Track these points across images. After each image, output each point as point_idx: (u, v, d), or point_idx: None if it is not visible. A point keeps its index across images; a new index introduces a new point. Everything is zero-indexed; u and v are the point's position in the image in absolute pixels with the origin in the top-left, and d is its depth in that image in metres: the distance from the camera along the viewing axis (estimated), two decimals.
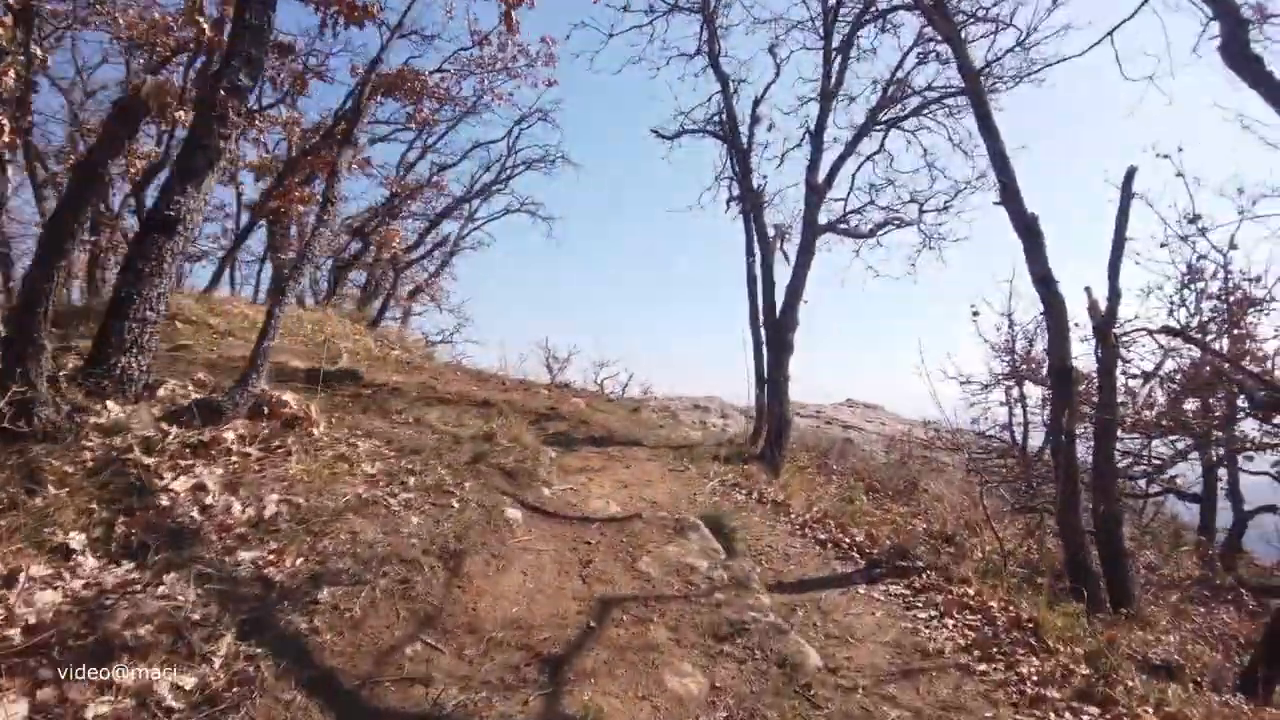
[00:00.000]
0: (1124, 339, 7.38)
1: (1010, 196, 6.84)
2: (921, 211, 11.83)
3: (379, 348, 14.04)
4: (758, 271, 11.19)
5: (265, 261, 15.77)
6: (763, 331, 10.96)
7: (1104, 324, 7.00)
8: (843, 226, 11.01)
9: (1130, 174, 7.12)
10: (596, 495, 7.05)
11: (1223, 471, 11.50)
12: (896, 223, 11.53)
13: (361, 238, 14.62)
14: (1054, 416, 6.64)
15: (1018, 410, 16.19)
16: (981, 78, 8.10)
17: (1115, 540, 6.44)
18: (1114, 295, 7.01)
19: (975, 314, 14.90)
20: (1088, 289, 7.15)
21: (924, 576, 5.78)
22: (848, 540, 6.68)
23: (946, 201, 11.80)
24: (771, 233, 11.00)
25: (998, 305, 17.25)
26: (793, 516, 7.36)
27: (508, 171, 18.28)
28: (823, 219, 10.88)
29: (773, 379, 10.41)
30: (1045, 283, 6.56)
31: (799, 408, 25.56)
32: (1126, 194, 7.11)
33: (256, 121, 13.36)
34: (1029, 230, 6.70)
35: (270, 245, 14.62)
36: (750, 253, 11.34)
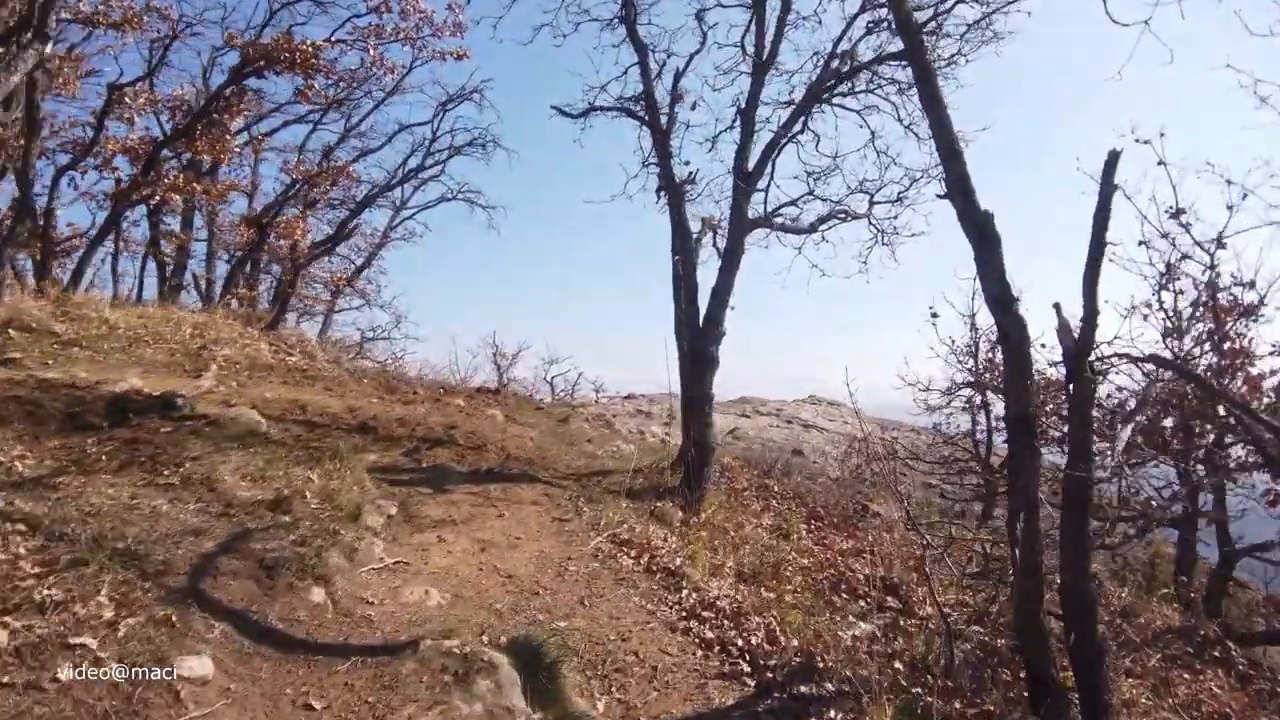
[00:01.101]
0: (1102, 367, 5.69)
1: (957, 186, 5.12)
2: (872, 203, 10.13)
3: (273, 354, 12.19)
4: (680, 272, 9.48)
5: (149, 258, 13.89)
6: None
7: (1077, 350, 5.31)
8: (779, 220, 9.27)
9: (1112, 160, 5.38)
10: (429, 573, 5.33)
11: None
12: (843, 216, 9.81)
13: (259, 230, 12.75)
14: (1011, 479, 4.96)
15: (980, 417, 14.73)
16: (925, 34, 6.34)
17: (1089, 641, 4.80)
18: (1090, 314, 5.30)
19: (934, 316, 13.26)
20: (1057, 306, 5.44)
21: (830, 714, 4.11)
22: (741, 641, 4.98)
23: (900, 193, 10.10)
24: (697, 227, 9.25)
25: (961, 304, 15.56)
26: (684, 596, 5.66)
27: (435, 156, 16.42)
28: (756, 211, 9.14)
29: (692, 398, 8.71)
30: (1001, 304, 4.85)
31: (759, 405, 23.96)
32: (1107, 185, 5.38)
33: (128, 99, 11.42)
34: (981, 233, 4.99)
35: (152, 239, 12.74)
36: (674, 250, 9.60)
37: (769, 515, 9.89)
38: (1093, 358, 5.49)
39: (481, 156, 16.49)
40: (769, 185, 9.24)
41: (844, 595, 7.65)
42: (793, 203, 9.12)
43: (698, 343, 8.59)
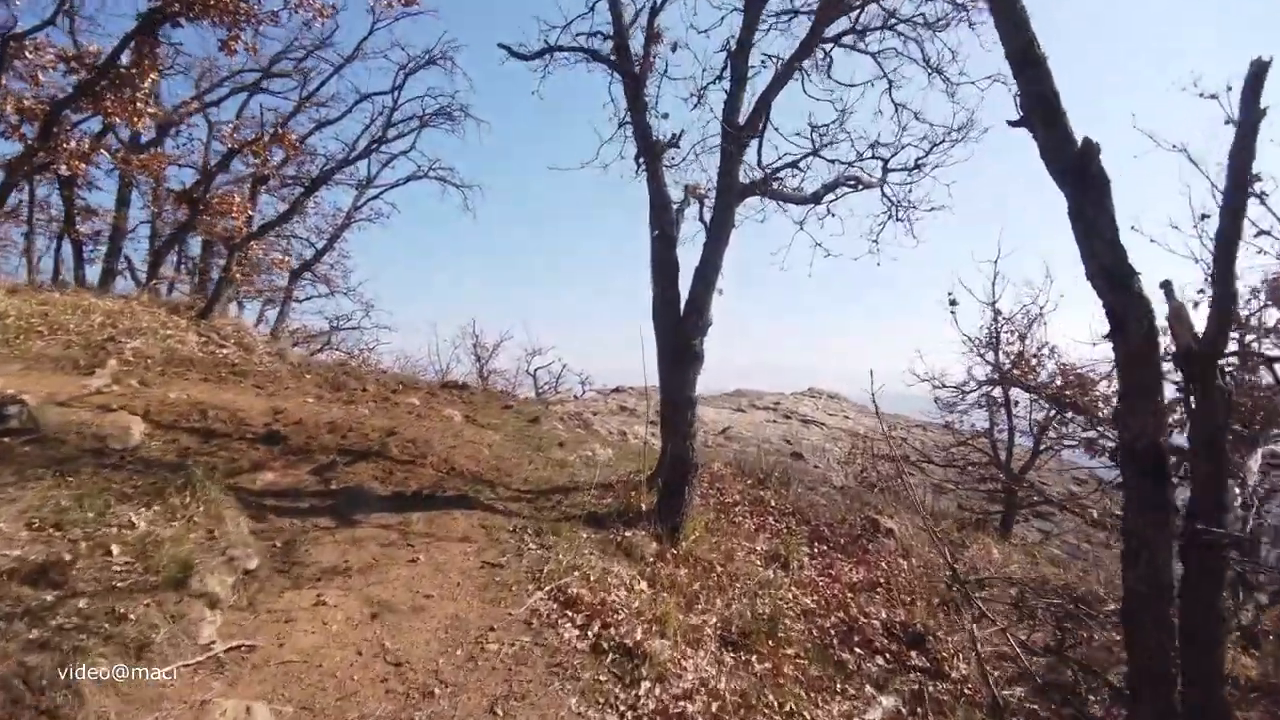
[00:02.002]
0: (1229, 368, 3.96)
1: (1037, 106, 3.39)
2: (886, 171, 8.38)
3: (201, 346, 10.48)
4: (659, 250, 7.78)
5: (64, 238, 12.12)
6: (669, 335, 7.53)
7: (1202, 350, 3.59)
8: (776, 186, 7.51)
9: (1259, 73, 3.67)
10: (278, 665, 3.65)
11: None
12: (852, 184, 8.06)
13: (191, 206, 11.02)
14: (1130, 544, 3.24)
15: (1000, 415, 13.02)
16: None
17: None
18: (1225, 297, 3.63)
19: (953, 303, 11.55)
20: (1166, 285, 3.73)
21: None
22: None
23: (919, 158, 8.36)
24: (678, 196, 7.51)
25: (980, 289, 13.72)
26: (642, 691, 3.96)
27: (399, 128, 14.64)
28: (750, 175, 7.41)
29: (671, 402, 7.01)
30: (1114, 278, 3.13)
31: (754, 398, 22.24)
32: (1251, 111, 3.68)
33: (28, 52, 9.64)
34: (1081, 173, 3.26)
35: (67, 217, 11.02)
36: (652, 223, 7.87)
37: (764, 537, 8.22)
38: (1226, 360, 3.76)
39: (450, 129, 14.75)
40: (761, 144, 7.49)
41: (857, 650, 6.00)
42: (794, 164, 7.37)
43: (678, 334, 6.88)
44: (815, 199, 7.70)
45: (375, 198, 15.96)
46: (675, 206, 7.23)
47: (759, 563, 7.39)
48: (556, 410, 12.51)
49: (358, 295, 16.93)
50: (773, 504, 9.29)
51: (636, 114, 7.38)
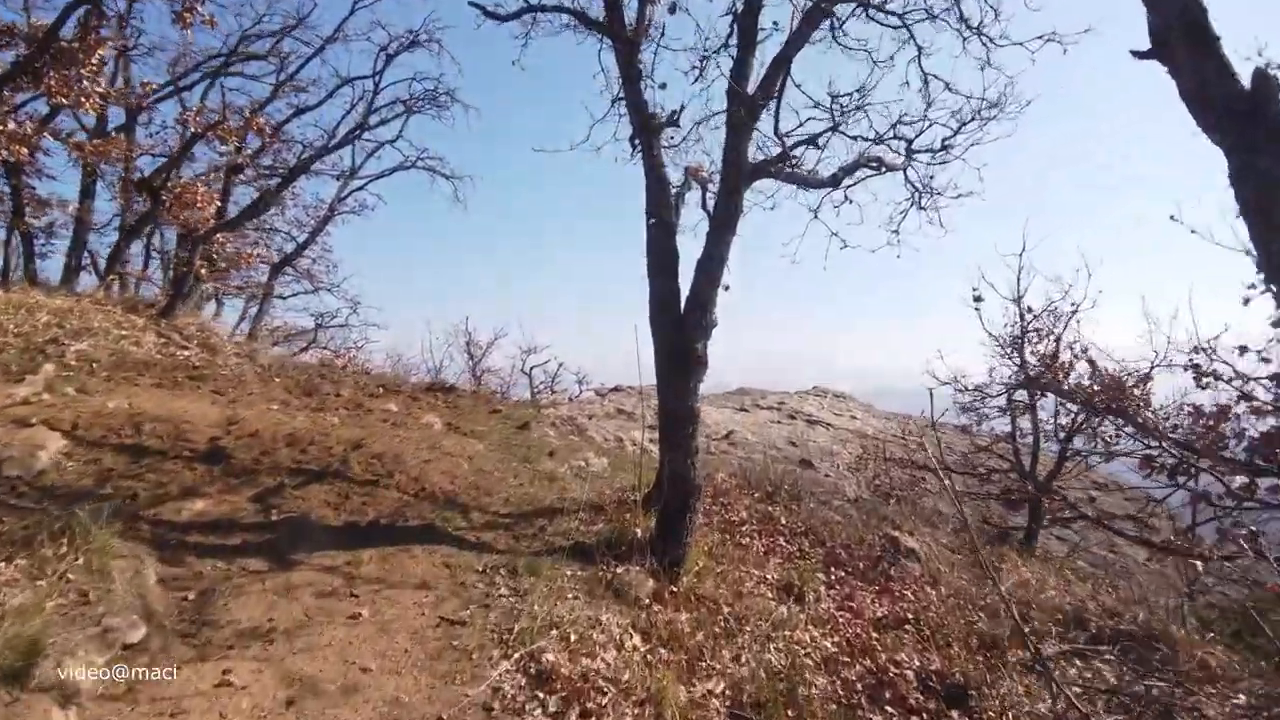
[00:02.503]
0: None
1: (1185, 25, 2.38)
2: (910, 153, 7.37)
3: (160, 347, 9.50)
4: (656, 239, 6.79)
5: (13, 231, 11.12)
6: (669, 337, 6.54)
7: None
8: (789, 169, 6.48)
9: None
10: None
11: None
12: (875, 166, 7.04)
13: (152, 195, 10.00)
14: None
15: (1023, 420, 12.01)
16: None
17: None
18: None
19: (977, 299, 10.53)
20: None
21: None
22: None
23: (946, 139, 7.35)
24: (677, 179, 6.50)
25: (1006, 285, 12.60)
26: None
27: (381, 114, 13.62)
28: (758, 153, 6.39)
29: (671, 413, 6.01)
30: None
31: (758, 397, 21.23)
32: None
33: None
34: (1249, 119, 2.26)
35: (15, 208, 10.02)
36: (647, 210, 6.87)
37: (775, 562, 7.25)
38: None
39: (437, 115, 13.72)
40: (777, 118, 6.47)
41: (889, 710, 5.03)
42: (811, 141, 6.33)
43: (679, 336, 5.88)
44: (834, 182, 6.68)
45: (360, 189, 14.98)
46: (675, 190, 6.21)
47: (770, 595, 6.42)
48: (549, 414, 11.52)
49: (343, 291, 15.99)
50: (783, 522, 8.31)
51: (630, 84, 6.35)
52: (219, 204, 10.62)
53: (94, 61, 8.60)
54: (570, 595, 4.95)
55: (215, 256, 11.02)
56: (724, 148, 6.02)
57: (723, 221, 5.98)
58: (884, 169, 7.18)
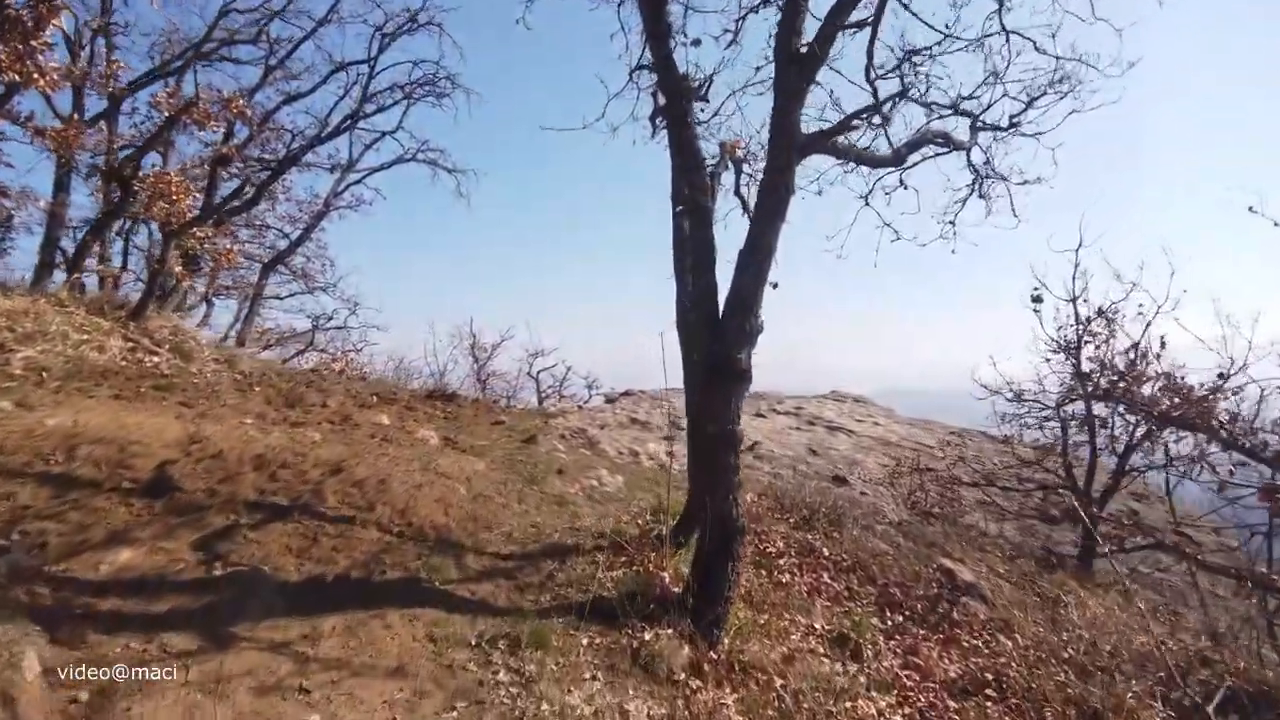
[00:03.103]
0: None
1: None
2: (976, 128, 6.23)
3: (126, 353, 8.41)
4: (687, 228, 5.66)
5: None
6: (698, 343, 5.44)
7: None
8: (846, 142, 5.33)
9: None
10: None
11: None
12: (941, 142, 5.91)
13: (122, 185, 8.91)
14: None
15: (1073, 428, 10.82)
16: None
17: None
18: None
19: (1037, 300, 9.36)
20: None
21: None
22: None
23: (1014, 116, 6.23)
24: (711, 157, 5.35)
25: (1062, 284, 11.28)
26: None
27: (376, 101, 12.54)
28: (810, 125, 5.24)
29: (709, 437, 4.86)
30: None
31: (774, 402, 20.04)
32: None
33: None
34: None
35: None
36: (675, 195, 5.75)
37: (822, 605, 6.13)
38: None
39: (436, 102, 12.63)
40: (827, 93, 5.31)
41: None
42: (874, 109, 5.17)
43: (717, 344, 4.73)
44: (896, 160, 5.53)
45: (357, 183, 13.90)
46: (709, 168, 5.07)
47: (822, 650, 5.31)
48: (557, 425, 10.39)
49: (340, 291, 14.90)
50: (826, 554, 7.17)
51: (657, 41, 5.21)
52: (199, 196, 9.55)
53: (46, 34, 7.51)
54: (588, 674, 3.83)
55: (198, 253, 9.95)
56: (772, 116, 4.88)
57: (770, 205, 4.84)
58: (951, 146, 6.05)
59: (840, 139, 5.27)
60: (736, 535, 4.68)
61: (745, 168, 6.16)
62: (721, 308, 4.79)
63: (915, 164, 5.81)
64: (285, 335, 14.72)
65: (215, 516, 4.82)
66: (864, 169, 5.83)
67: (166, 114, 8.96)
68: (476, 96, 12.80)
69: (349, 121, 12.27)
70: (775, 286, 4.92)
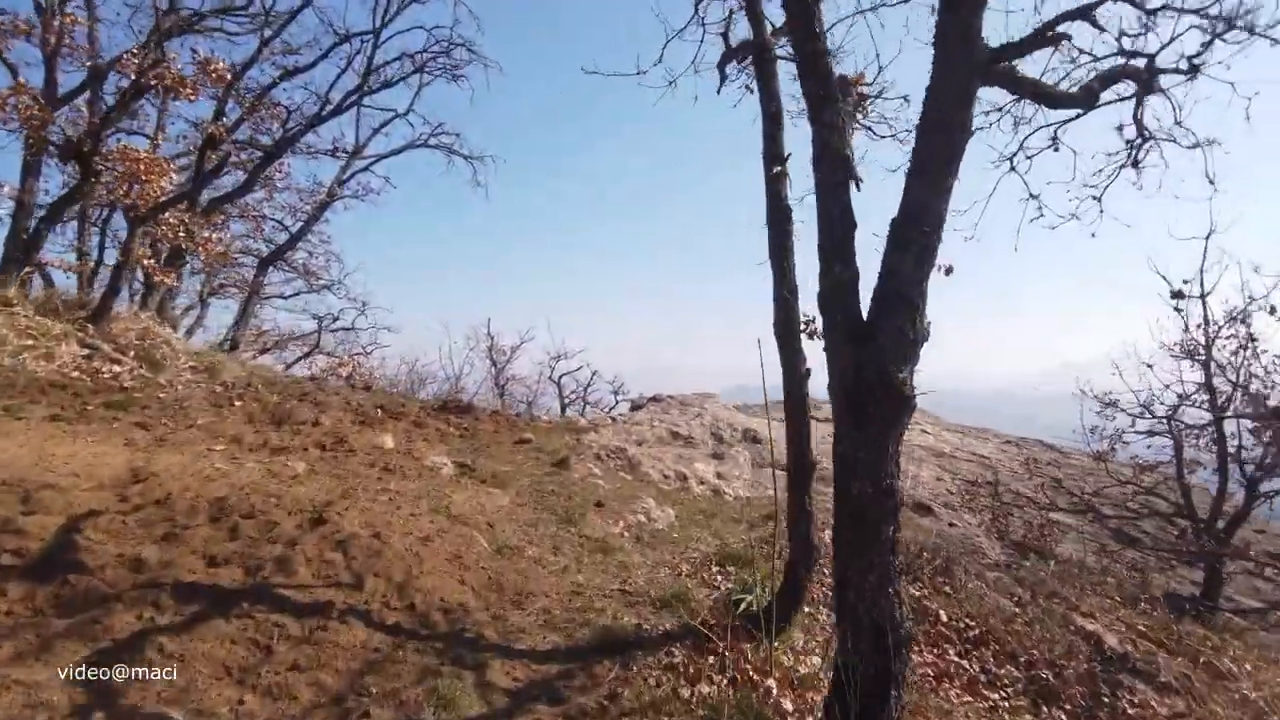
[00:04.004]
0: None
1: None
2: (1153, 71, 4.51)
3: (82, 363, 6.83)
4: (788, 198, 4.04)
5: None
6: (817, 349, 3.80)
7: None
8: (1030, 78, 3.64)
9: None
10: None
11: None
12: (1144, 78, 4.22)
13: (84, 163, 7.36)
14: None
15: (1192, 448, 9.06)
16: None
17: None
18: None
19: (1179, 298, 7.62)
20: None
21: None
22: None
23: (1192, 58, 4.53)
24: (807, 105, 3.63)
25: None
26: None
27: (381, 75, 10.94)
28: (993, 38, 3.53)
29: (847, 499, 3.16)
30: None
31: (813, 408, 18.35)
32: None
33: None
34: None
35: None
36: (768, 154, 4.11)
37: (960, 702, 4.48)
38: None
39: (449, 76, 11.04)
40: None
41: None
42: (1083, 11, 3.50)
43: (866, 359, 3.05)
44: (1087, 99, 3.82)
45: (364, 170, 12.33)
46: (838, 107, 3.38)
47: None
48: (590, 442, 8.74)
49: (346, 289, 13.32)
50: (944, 618, 5.48)
51: None
52: (175, 177, 7.99)
53: None
54: None
55: (178, 244, 8.38)
56: (940, 25, 3.20)
57: (938, 153, 3.16)
58: (1144, 88, 4.35)
59: (1014, 58, 3.57)
60: (902, 647, 3.01)
61: (862, 114, 4.50)
62: (879, 303, 3.11)
63: (1107, 103, 4.10)
64: (286, 337, 13.20)
65: (124, 615, 3.20)
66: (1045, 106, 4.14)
67: (133, 77, 7.39)
68: (495, 69, 11.16)
69: (354, 97, 10.70)
70: (949, 272, 3.25)
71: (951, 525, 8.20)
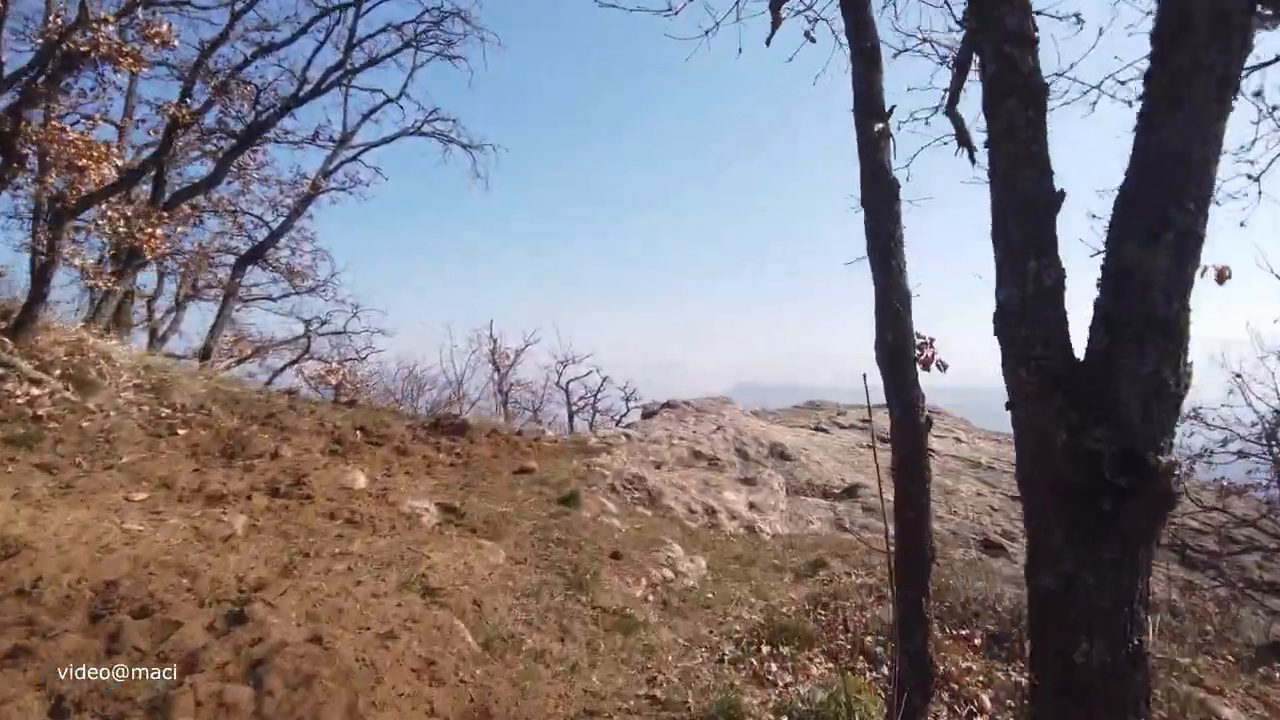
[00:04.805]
0: None
1: None
2: None
3: None
4: (892, 167, 2.68)
5: None
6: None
7: None
8: None
9: None
10: None
11: None
12: None
13: (2, 144, 6.06)
14: None
15: None
16: None
17: None
18: None
19: None
20: None
21: None
22: None
23: None
24: (970, 9, 2.26)
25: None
26: None
27: (366, 50, 9.61)
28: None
29: (1049, 667, 1.81)
30: None
31: (834, 413, 16.93)
32: None
33: None
34: None
35: None
36: (868, 104, 2.74)
37: None
38: None
39: (444, 52, 9.71)
40: None
41: None
42: None
43: (1098, 424, 1.70)
44: None
45: (352, 159, 11.00)
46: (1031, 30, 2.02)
47: None
48: (602, 468, 7.41)
49: (333, 291, 11.95)
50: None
51: None
52: (120, 163, 6.68)
53: None
54: None
55: (131, 242, 7.07)
56: None
57: (1208, 64, 1.80)
58: None
59: None
60: None
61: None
62: (1089, 332, 1.77)
63: None
64: (266, 344, 11.88)
65: None
66: None
67: (54, 38, 6.08)
68: (494, 42, 9.79)
69: (336, 75, 9.39)
70: (1224, 279, 1.89)
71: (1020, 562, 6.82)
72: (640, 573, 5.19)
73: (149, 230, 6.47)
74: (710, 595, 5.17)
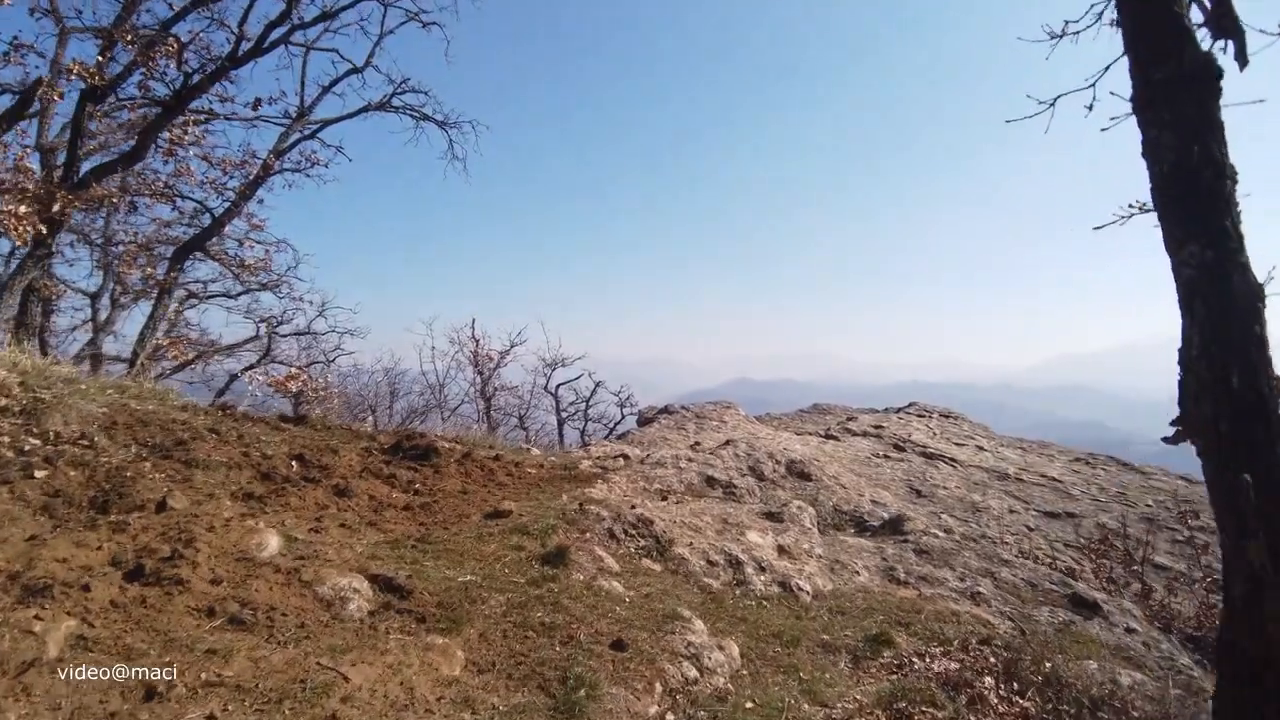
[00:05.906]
0: None
1: None
2: None
3: None
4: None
5: None
6: None
7: None
8: None
9: None
10: None
11: None
12: None
13: None
14: None
15: None
16: None
17: None
18: None
19: None
20: None
21: None
22: None
23: None
24: None
25: None
26: None
27: (316, 3, 7.98)
28: None
29: None
30: None
31: (845, 419, 15.42)
32: None
33: None
34: None
35: None
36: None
37: None
38: None
39: (416, 9, 8.09)
40: None
41: None
42: None
43: None
44: None
45: (309, 136, 9.32)
46: None
47: None
48: (597, 503, 5.88)
49: (289, 287, 10.31)
50: None
51: None
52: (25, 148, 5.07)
53: None
54: None
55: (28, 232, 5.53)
56: None
57: None
58: None
59: None
60: None
61: None
62: None
63: None
64: (209, 348, 10.21)
65: None
66: None
67: None
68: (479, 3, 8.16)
69: (280, 31, 7.76)
70: None
71: (1130, 632, 5.33)
72: (653, 673, 3.69)
73: (7, 209, 4.87)
74: (750, 705, 3.67)
